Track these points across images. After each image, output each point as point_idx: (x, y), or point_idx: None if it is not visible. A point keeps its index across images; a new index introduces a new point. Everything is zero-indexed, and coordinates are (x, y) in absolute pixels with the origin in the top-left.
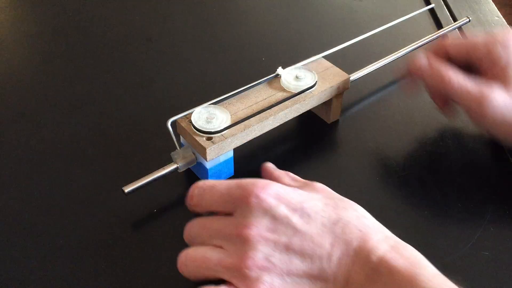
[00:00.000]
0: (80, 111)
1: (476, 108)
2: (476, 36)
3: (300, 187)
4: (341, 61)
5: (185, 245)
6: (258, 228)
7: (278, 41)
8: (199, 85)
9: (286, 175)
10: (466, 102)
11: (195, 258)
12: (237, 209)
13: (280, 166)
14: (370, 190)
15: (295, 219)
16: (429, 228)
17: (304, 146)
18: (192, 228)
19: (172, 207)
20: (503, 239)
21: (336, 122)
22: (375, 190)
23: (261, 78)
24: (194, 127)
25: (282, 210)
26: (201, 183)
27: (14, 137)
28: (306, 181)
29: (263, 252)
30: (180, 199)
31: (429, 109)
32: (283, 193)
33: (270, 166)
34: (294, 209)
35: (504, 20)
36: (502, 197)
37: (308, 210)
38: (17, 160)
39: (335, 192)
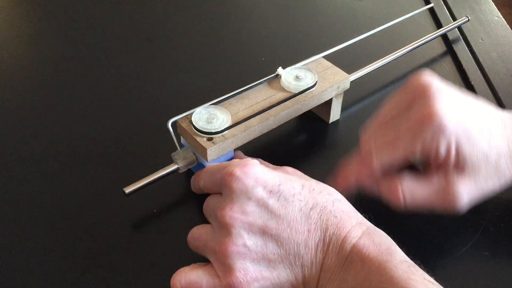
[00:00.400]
0: (80, 111)
1: (447, 209)
2: (399, 128)
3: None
4: (341, 61)
5: (186, 246)
6: (233, 210)
7: (278, 41)
8: (199, 85)
9: (258, 161)
10: (434, 207)
11: (193, 236)
12: (221, 190)
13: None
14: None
15: (272, 202)
16: (429, 228)
17: (304, 146)
18: (204, 205)
19: (172, 207)
20: (503, 239)
21: (336, 122)
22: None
23: (261, 78)
24: (195, 128)
25: (259, 191)
26: (208, 166)
27: (14, 138)
28: (276, 166)
29: (239, 236)
30: (181, 200)
31: None
32: (261, 173)
33: (240, 154)
34: (271, 191)
35: (504, 20)
36: (502, 197)
37: (286, 193)
38: (17, 161)
39: (307, 176)
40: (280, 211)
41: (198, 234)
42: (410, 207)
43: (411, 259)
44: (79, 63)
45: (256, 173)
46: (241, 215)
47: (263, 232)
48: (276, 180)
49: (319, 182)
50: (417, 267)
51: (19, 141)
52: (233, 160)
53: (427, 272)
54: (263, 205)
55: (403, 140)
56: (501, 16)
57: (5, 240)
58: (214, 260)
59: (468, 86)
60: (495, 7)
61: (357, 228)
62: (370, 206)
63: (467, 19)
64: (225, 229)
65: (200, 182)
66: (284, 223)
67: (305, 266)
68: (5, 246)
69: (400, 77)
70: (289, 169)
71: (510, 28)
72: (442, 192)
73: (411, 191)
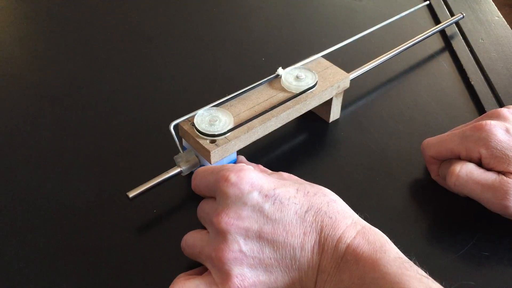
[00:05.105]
0: (80, 113)
1: (495, 205)
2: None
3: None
4: (339, 60)
5: None
6: (229, 216)
7: (278, 41)
8: (199, 86)
9: (257, 167)
10: (483, 198)
11: (187, 243)
12: (215, 194)
13: (281, 166)
14: (370, 190)
15: (267, 206)
16: (429, 228)
17: (304, 146)
18: (198, 209)
19: (175, 209)
20: (503, 239)
21: (336, 121)
22: (375, 190)
23: (261, 78)
24: (198, 130)
25: (254, 196)
26: (201, 168)
27: (15, 140)
28: (273, 172)
29: (235, 242)
30: (183, 202)
31: (429, 108)
32: (256, 178)
33: (242, 159)
34: (267, 196)
35: (504, 20)
36: None
37: (281, 196)
38: (19, 165)
39: (302, 179)
40: (276, 215)
41: (192, 241)
42: (462, 186)
43: (409, 259)
44: (79, 64)
45: (252, 178)
46: (236, 221)
47: (259, 237)
48: (271, 184)
49: (313, 184)
50: (411, 263)
51: (20, 144)
52: (226, 164)
53: (422, 268)
54: (258, 210)
55: (453, 138)
56: (501, 16)
57: (9, 243)
58: (211, 267)
59: (468, 86)
60: (495, 7)
61: (352, 228)
62: (366, 205)
63: (462, 15)
64: (221, 235)
65: (192, 183)
66: (280, 227)
67: (302, 269)
68: (9, 249)
69: (398, 75)
70: (285, 174)
71: (510, 28)
72: (494, 185)
73: (469, 170)
